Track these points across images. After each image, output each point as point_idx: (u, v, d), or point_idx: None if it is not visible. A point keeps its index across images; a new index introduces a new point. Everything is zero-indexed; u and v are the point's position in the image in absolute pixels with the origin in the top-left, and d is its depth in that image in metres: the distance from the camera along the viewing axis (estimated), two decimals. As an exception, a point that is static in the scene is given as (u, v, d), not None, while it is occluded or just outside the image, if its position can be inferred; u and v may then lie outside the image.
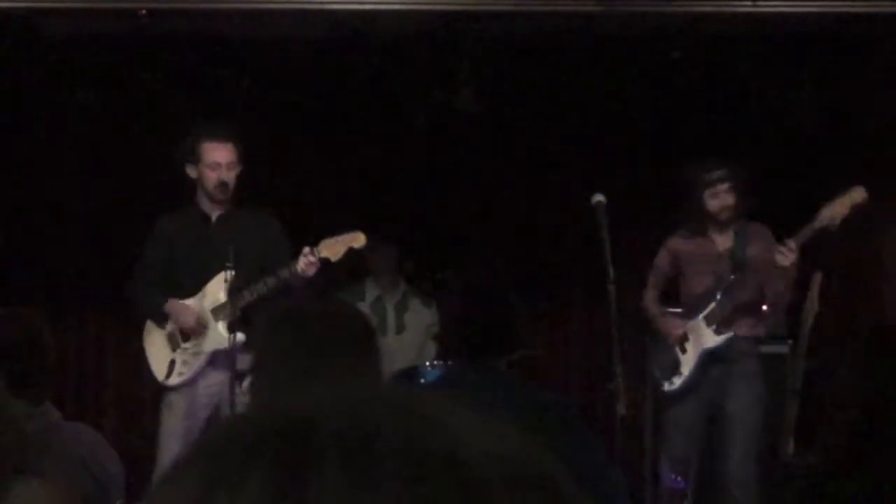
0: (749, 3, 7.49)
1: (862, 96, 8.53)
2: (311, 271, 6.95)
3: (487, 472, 0.81)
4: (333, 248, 7.06)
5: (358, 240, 7.16)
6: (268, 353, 3.29)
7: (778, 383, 7.49)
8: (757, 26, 8.18)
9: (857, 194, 7.07)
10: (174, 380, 7.08)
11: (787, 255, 7.01)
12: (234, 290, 6.87)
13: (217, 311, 7.03)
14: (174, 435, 6.91)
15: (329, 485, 0.79)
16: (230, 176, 7.06)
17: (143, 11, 7.51)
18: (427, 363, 7.17)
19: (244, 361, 6.75)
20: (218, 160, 7.05)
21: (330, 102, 9.00)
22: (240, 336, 6.69)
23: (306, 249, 6.98)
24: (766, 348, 7.91)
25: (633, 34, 8.12)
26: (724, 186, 7.37)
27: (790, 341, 7.91)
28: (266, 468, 0.80)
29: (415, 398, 0.86)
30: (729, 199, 7.38)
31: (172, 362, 7.09)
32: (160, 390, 7.22)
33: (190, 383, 7.04)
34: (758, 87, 9.07)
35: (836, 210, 7.04)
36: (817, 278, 7.22)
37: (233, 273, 6.84)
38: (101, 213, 8.95)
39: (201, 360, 7.06)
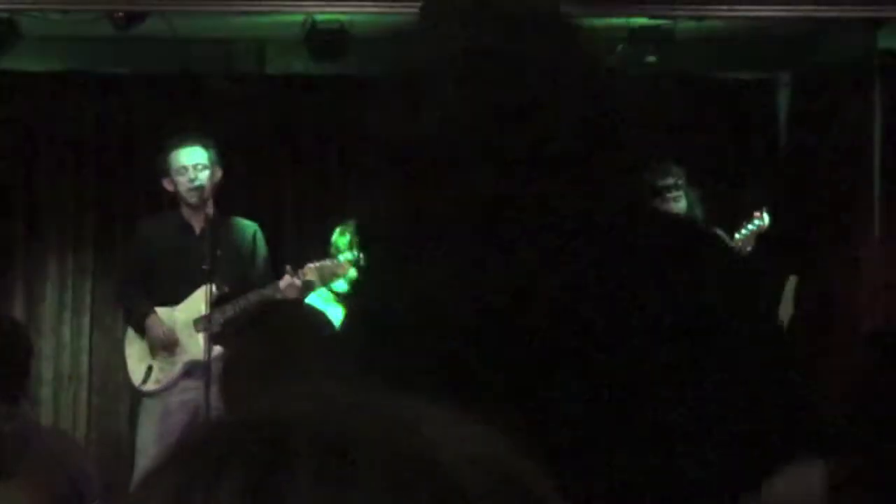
0: (726, 7, 7.52)
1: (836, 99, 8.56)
2: (293, 294, 6.99)
3: (463, 475, 0.81)
4: (319, 273, 7.12)
5: (343, 269, 7.22)
6: (240, 359, 3.30)
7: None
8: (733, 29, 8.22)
9: (760, 222, 7.07)
10: (150, 386, 7.06)
11: None
12: (216, 304, 6.91)
13: (198, 323, 7.02)
14: (150, 439, 6.91)
15: (303, 488, 0.79)
16: (200, 176, 6.99)
17: (120, 14, 7.50)
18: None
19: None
20: (185, 163, 7.01)
21: (307, 105, 8.99)
22: (218, 349, 6.74)
23: (289, 269, 7.00)
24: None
25: (609, 36, 8.13)
26: (671, 195, 7.31)
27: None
28: (240, 472, 0.80)
29: (388, 401, 0.86)
30: (677, 207, 7.32)
31: (150, 368, 7.07)
32: (137, 395, 7.23)
33: (166, 390, 7.04)
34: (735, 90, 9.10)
35: (744, 240, 7.05)
36: (792, 282, 7.25)
37: (216, 287, 6.91)
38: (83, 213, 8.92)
39: (177, 370, 7.04)
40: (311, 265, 7.13)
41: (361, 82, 8.49)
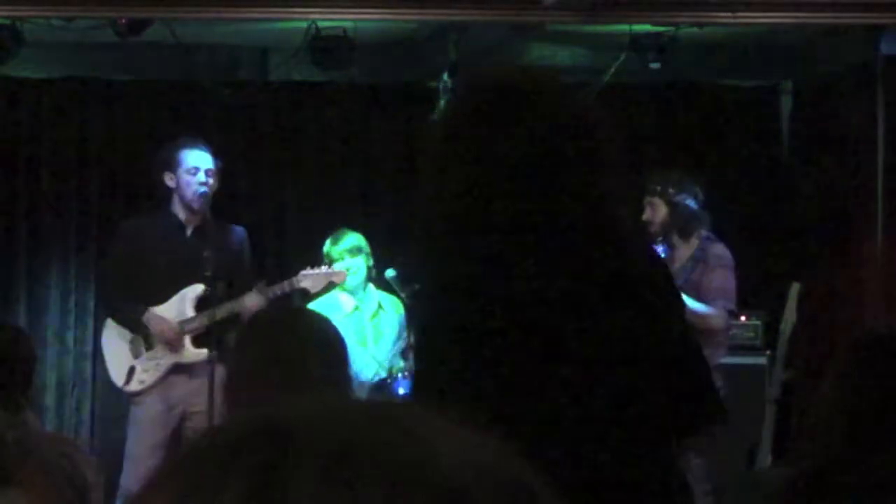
0: (729, 14, 7.52)
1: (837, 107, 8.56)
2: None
3: (465, 481, 0.81)
4: (314, 280, 7.12)
5: (339, 277, 7.23)
6: (242, 365, 3.31)
7: (756, 394, 7.51)
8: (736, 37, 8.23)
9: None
10: (134, 386, 7.01)
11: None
12: (204, 306, 6.92)
13: (184, 325, 6.98)
14: (141, 444, 6.90)
15: (306, 494, 0.79)
16: (209, 182, 6.99)
17: (123, 21, 7.51)
18: (400, 374, 7.18)
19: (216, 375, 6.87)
20: (197, 164, 6.98)
21: (310, 112, 8.99)
22: (204, 351, 6.82)
23: (259, 286, 6.97)
24: (745, 360, 7.93)
25: (613, 44, 8.14)
26: (648, 199, 7.17)
27: (768, 352, 7.93)
28: (244, 477, 0.80)
29: (390, 407, 0.87)
30: (652, 213, 7.19)
31: (132, 369, 7.02)
32: (127, 397, 7.20)
33: (152, 393, 6.98)
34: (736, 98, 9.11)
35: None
36: (795, 289, 7.24)
37: (204, 288, 6.91)
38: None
39: (162, 371, 6.99)
40: (304, 272, 7.13)
41: (364, 89, 8.45)
